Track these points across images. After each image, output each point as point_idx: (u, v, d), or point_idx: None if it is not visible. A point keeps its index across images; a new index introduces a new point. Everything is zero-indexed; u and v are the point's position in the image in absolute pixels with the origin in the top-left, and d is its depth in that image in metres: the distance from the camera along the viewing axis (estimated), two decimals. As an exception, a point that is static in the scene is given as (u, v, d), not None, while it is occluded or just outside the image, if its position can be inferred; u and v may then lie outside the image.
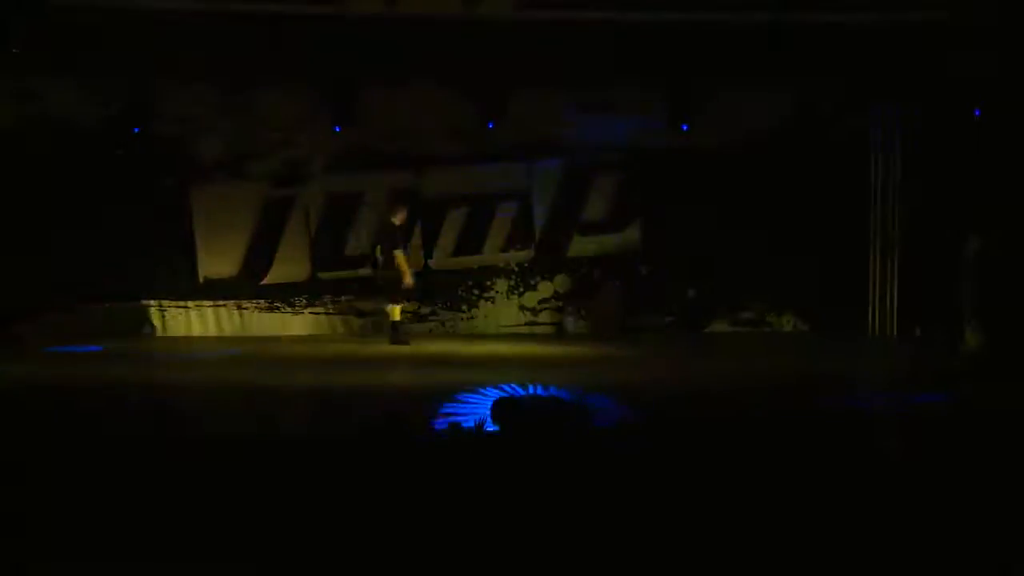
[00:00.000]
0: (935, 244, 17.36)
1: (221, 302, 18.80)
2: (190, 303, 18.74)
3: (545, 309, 19.34)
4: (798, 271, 18.83)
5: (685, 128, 18.24)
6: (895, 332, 18.43)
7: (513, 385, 11.30)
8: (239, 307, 18.82)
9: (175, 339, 18.36)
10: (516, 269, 19.25)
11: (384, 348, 16.79)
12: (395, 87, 17.96)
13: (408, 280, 17.03)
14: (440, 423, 8.79)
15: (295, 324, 18.96)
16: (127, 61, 16.56)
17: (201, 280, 18.70)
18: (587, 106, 18.50)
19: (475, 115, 18.22)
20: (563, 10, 16.14)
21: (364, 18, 16.04)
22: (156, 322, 18.65)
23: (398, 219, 17.23)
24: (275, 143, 18.68)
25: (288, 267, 18.95)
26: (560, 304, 19.21)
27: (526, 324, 19.24)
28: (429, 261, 18.97)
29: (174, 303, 18.65)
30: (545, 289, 19.33)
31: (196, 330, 18.71)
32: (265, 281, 18.90)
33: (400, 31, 16.22)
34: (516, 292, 19.29)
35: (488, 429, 8.05)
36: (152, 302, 18.61)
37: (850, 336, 18.37)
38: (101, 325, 18.07)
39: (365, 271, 18.66)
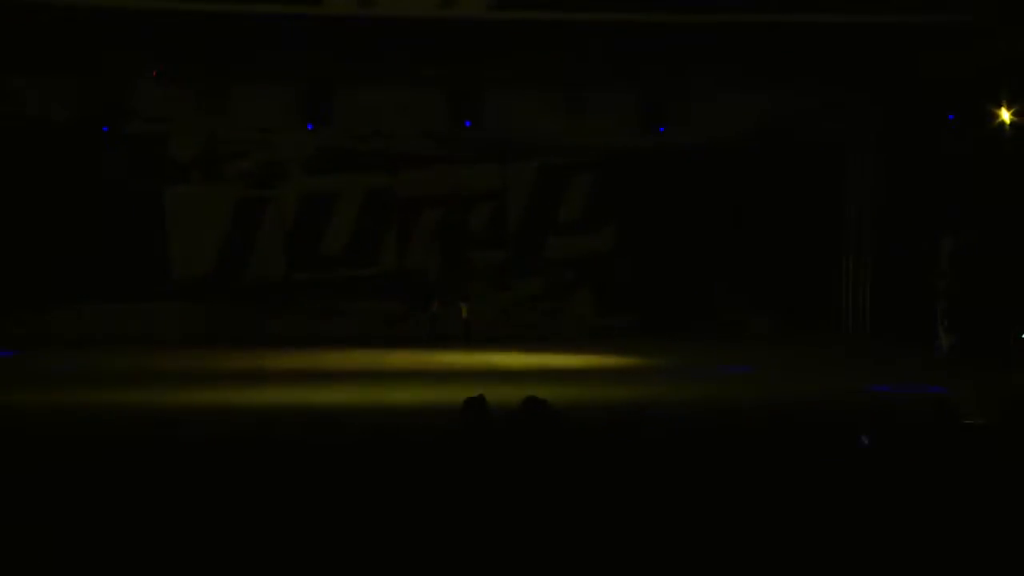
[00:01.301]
0: (909, 245, 17.53)
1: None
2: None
3: (522, 311, 19.34)
4: (773, 271, 18.92)
5: (662, 130, 18.22)
6: (868, 332, 18.49)
7: None
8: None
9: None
10: (492, 270, 19.25)
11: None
12: (370, 87, 17.91)
13: None
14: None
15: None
16: (102, 60, 16.45)
17: (173, 281, 18.57)
18: (563, 106, 18.45)
19: (450, 115, 18.17)
20: (538, 11, 16.15)
21: (340, 18, 16.01)
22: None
23: None
24: (251, 143, 18.59)
25: (263, 266, 18.85)
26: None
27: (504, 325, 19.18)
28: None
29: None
30: (520, 290, 19.32)
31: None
32: (239, 281, 18.80)
33: (376, 32, 16.20)
34: (492, 293, 19.27)
35: None
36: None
37: (824, 336, 18.43)
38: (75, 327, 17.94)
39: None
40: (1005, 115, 15.42)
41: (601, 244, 19.33)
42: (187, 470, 6.83)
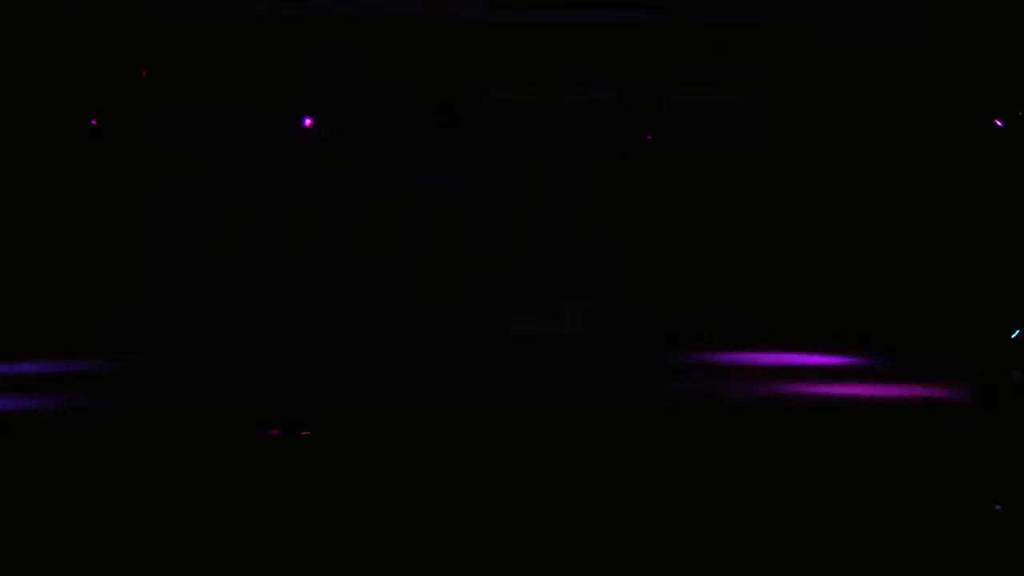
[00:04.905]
0: (910, 248, 17.52)
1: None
2: None
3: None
4: (770, 278, 18.80)
5: (649, 138, 18.14)
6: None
7: None
8: None
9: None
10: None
11: None
12: (357, 88, 17.86)
13: None
14: None
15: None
16: (93, 56, 16.44)
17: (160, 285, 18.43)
18: (556, 108, 18.38)
19: (439, 116, 18.06)
20: (527, 11, 16.16)
21: (325, 18, 16.03)
22: None
23: None
24: (240, 143, 18.50)
25: (258, 266, 18.74)
26: None
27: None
28: None
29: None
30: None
31: None
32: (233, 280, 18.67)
33: (362, 30, 16.20)
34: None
35: None
36: None
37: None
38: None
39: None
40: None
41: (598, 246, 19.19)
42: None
